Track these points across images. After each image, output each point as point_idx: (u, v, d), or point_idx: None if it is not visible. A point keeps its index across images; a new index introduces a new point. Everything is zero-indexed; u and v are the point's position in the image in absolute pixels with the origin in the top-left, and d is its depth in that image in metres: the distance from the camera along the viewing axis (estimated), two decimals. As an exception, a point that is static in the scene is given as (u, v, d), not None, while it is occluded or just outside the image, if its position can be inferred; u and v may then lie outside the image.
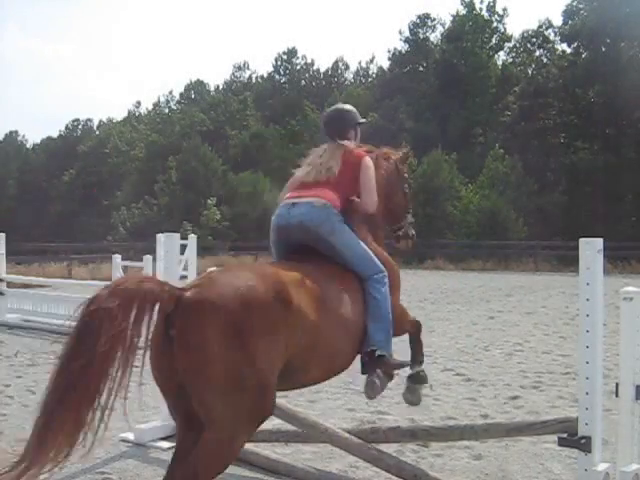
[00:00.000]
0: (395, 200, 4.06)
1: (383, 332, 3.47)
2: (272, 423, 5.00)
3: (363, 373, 3.55)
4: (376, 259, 3.59)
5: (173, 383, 2.73)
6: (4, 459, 2.72)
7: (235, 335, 2.62)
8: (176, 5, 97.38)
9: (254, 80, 55.52)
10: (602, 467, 3.37)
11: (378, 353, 3.42)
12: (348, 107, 3.96)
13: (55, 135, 58.08)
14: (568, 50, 35.94)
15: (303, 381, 3.26)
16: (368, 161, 3.69)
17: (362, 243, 3.58)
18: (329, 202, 3.48)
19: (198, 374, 2.60)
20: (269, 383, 2.75)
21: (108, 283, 2.94)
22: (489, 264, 24.97)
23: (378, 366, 3.47)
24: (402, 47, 42.72)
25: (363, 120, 4.02)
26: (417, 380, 4.00)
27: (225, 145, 41.08)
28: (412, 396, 4.01)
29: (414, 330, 4.01)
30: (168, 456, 4.55)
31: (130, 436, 4.87)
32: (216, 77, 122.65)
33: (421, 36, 41.99)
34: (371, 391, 3.52)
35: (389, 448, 4.13)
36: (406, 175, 4.20)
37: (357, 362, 3.61)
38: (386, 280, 3.56)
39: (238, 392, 2.63)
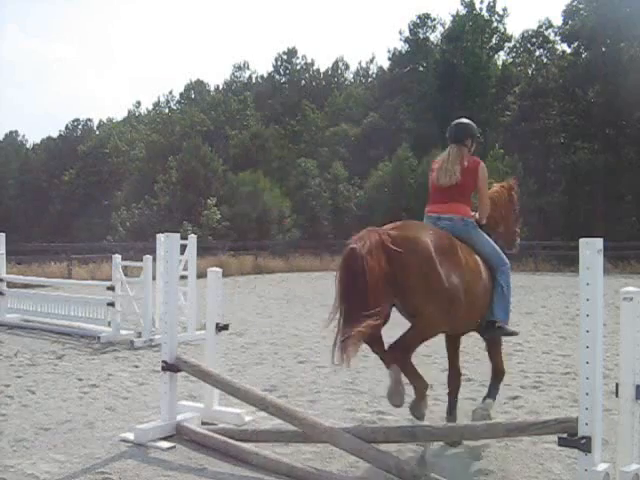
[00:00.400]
0: (509, 217, 5.34)
1: (504, 311, 4.73)
2: (272, 423, 5.02)
3: (481, 335, 4.90)
4: (503, 255, 4.79)
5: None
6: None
7: (436, 263, 4.14)
8: (176, 5, 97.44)
9: (254, 80, 55.54)
10: (602, 467, 3.37)
11: (498, 324, 4.68)
12: (469, 121, 5.12)
13: (55, 135, 58.16)
14: (568, 50, 35.97)
15: (457, 321, 4.45)
16: (483, 167, 4.81)
17: (492, 243, 4.78)
18: (464, 216, 4.69)
19: (413, 284, 4.13)
20: (457, 296, 4.24)
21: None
22: (489, 264, 24.92)
23: (495, 333, 4.79)
24: (402, 47, 42.81)
25: (478, 135, 5.16)
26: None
27: (225, 145, 41.07)
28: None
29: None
30: (168, 456, 4.57)
31: (130, 436, 4.87)
32: (216, 77, 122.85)
33: (421, 36, 42.01)
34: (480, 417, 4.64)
35: (389, 448, 4.13)
36: (516, 199, 5.45)
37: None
38: (509, 272, 4.75)
39: (436, 297, 4.14)
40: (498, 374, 5.05)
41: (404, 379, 4.25)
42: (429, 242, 4.18)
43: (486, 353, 5.30)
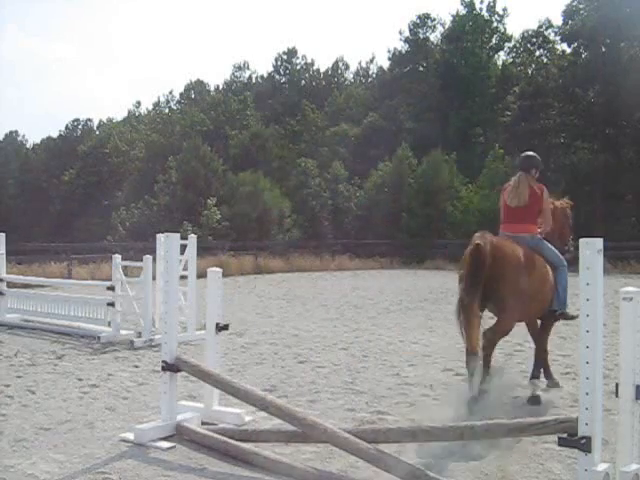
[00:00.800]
0: (564, 229, 6.67)
1: (562, 302, 6.01)
2: (272, 423, 5.02)
3: (542, 319, 6.26)
4: (562, 258, 6.06)
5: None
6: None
7: (521, 269, 5.53)
8: (176, 5, 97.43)
9: (254, 80, 55.51)
10: (602, 467, 3.37)
11: (559, 312, 6.03)
12: (534, 154, 6.30)
13: (55, 135, 58.09)
14: (568, 50, 35.93)
15: (531, 311, 5.90)
16: (546, 192, 6.11)
17: (554, 249, 6.06)
18: (532, 233, 5.97)
19: (503, 285, 5.44)
20: (533, 295, 5.62)
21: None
22: (489, 264, 24.92)
23: (556, 319, 6.18)
24: (402, 47, 42.74)
25: (542, 167, 6.36)
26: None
27: (225, 145, 41.04)
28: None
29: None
30: (168, 456, 4.57)
31: (130, 436, 4.87)
32: (216, 77, 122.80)
33: (421, 36, 41.97)
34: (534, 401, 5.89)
35: (389, 448, 4.13)
36: (570, 215, 6.84)
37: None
38: (566, 270, 6.01)
39: (522, 299, 5.52)
40: (540, 354, 6.29)
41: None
42: (520, 253, 5.57)
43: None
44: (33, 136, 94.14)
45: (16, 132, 60.86)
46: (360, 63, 57.63)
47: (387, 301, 14.25)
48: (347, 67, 55.11)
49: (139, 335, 9.16)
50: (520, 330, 8.38)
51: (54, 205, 49.15)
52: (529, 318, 6.10)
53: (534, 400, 5.81)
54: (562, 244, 6.48)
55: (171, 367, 4.98)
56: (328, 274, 22.63)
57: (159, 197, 34.65)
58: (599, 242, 3.49)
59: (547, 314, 6.07)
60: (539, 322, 6.33)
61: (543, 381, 6.25)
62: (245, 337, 9.60)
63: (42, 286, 13.57)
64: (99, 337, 9.21)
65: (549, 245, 6.04)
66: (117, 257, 9.87)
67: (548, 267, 5.86)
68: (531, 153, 6.28)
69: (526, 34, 39.40)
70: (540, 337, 6.32)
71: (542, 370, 6.28)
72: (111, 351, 8.58)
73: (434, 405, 5.81)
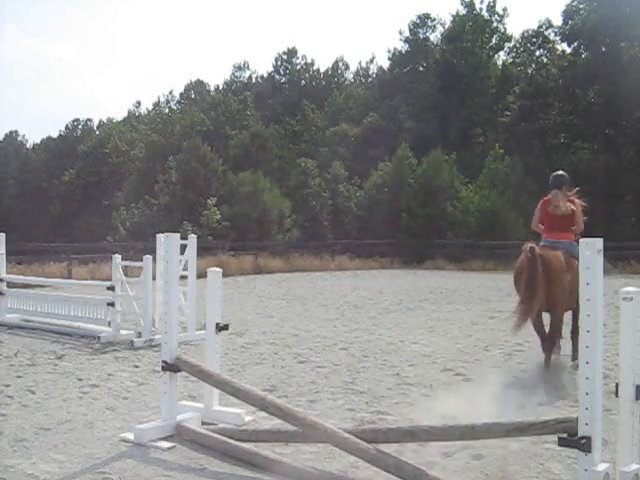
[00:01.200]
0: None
1: None
2: (272, 423, 5.02)
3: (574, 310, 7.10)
4: None
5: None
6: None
7: (563, 272, 6.85)
8: (176, 5, 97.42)
9: (254, 80, 55.50)
10: (602, 467, 3.37)
11: None
12: (564, 173, 7.61)
13: (55, 135, 58.07)
14: (568, 50, 35.94)
15: (572, 301, 6.87)
16: (578, 204, 7.48)
17: None
18: (571, 240, 7.21)
19: (553, 285, 6.79)
20: (573, 291, 6.32)
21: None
22: (489, 264, 24.93)
23: None
24: (402, 47, 42.75)
25: (568, 181, 7.66)
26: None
27: (225, 145, 41.04)
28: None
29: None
30: (168, 456, 4.57)
31: (130, 436, 4.87)
32: (216, 77, 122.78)
33: (421, 36, 41.97)
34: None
35: (389, 448, 4.13)
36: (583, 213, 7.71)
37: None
38: None
39: (567, 294, 6.84)
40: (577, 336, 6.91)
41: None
42: (561, 259, 6.91)
43: (486, 352, 5.38)
44: (33, 136, 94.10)
45: (16, 132, 60.90)
46: (360, 63, 57.65)
47: (387, 301, 14.25)
48: (347, 67, 55.14)
49: (139, 335, 9.16)
50: (520, 330, 8.39)
51: (54, 205, 49.13)
52: (569, 309, 7.32)
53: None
54: None
55: (171, 367, 4.98)
56: (328, 274, 22.62)
57: (159, 197, 34.64)
58: (599, 242, 3.49)
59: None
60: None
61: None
62: (245, 337, 9.60)
63: (42, 286, 13.57)
64: (99, 337, 9.21)
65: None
66: (117, 257, 9.87)
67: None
68: (560, 173, 7.61)
69: (526, 34, 39.42)
70: (576, 324, 7.22)
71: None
72: (111, 351, 8.58)
73: (434, 405, 5.80)
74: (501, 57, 41.00)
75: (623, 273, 20.26)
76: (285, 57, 52.62)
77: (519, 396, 5.91)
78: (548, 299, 6.87)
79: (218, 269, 5.59)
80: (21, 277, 13.75)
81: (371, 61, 54.01)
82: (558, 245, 7.19)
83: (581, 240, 3.52)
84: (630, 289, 3.60)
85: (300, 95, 48.49)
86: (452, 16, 39.41)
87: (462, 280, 19.68)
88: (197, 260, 9.79)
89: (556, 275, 6.80)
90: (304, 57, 53.17)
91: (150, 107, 57.35)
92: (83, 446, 4.75)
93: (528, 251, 6.79)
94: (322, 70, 54.14)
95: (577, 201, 7.53)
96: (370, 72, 53.32)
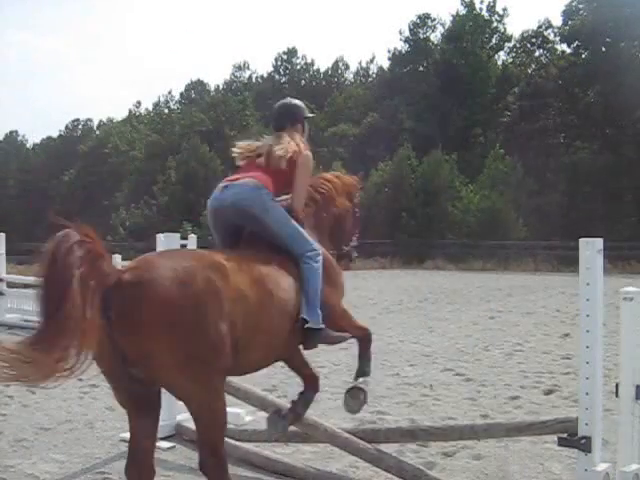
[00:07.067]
0: (344, 224, 4.23)
1: (313, 307, 3.49)
2: (272, 423, 5.01)
3: (305, 349, 3.74)
4: (310, 238, 3.65)
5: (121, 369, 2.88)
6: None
7: (177, 318, 2.77)
8: (176, 5, 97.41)
9: (254, 80, 55.49)
10: (602, 467, 3.36)
11: (309, 326, 3.46)
12: (297, 103, 4.10)
13: (55, 135, 58.09)
14: (568, 50, 35.94)
15: (249, 362, 3.31)
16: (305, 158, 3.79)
17: (295, 223, 3.63)
18: (261, 183, 3.59)
19: (151, 359, 2.79)
20: (221, 351, 2.91)
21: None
22: (489, 264, 24.96)
23: (316, 340, 3.57)
24: (402, 47, 42.74)
25: (311, 115, 4.22)
26: (352, 395, 3.97)
27: (225, 145, 41.03)
28: (352, 403, 3.97)
29: (361, 336, 4.06)
30: (168, 456, 4.57)
31: (130, 436, 4.86)
32: (216, 77, 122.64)
33: (421, 36, 41.96)
34: (353, 403, 3.90)
35: (389, 448, 4.13)
36: (357, 201, 4.36)
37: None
38: (319, 258, 3.59)
39: (195, 367, 2.84)
40: (361, 337, 4.22)
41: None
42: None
43: (486, 352, 5.37)
44: (33, 136, 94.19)
45: (16, 132, 60.88)
46: (360, 63, 57.66)
47: (387, 301, 14.25)
48: (347, 67, 55.12)
49: (139, 335, 9.15)
50: (520, 330, 8.40)
51: (54, 205, 49.10)
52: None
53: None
54: (340, 243, 4.23)
55: (171, 367, 4.97)
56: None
57: (159, 197, 34.65)
58: (599, 242, 3.48)
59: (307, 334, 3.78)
60: None
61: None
62: (245, 337, 9.59)
63: (42, 286, 13.53)
64: (99, 337, 9.19)
65: (284, 213, 3.65)
66: (117, 257, 9.85)
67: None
68: (292, 101, 4.13)
69: (526, 34, 39.41)
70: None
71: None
72: (111, 351, 8.57)
73: (434, 405, 5.81)
74: (501, 57, 41.02)
75: (623, 273, 20.28)
76: (285, 57, 52.65)
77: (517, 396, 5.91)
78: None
79: (218, 269, 5.57)
80: (21, 277, 13.72)
81: (371, 61, 54.04)
82: (228, 192, 3.67)
83: (581, 240, 3.51)
84: (630, 289, 3.60)
85: (300, 95, 48.35)
86: (452, 16, 39.45)
87: (462, 280, 19.68)
88: (197, 260, 9.77)
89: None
90: (304, 57, 53.29)
91: (150, 107, 57.37)
92: (83, 446, 4.75)
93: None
94: (322, 70, 54.18)
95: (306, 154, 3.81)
96: (370, 72, 53.33)
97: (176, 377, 2.88)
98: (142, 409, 3.13)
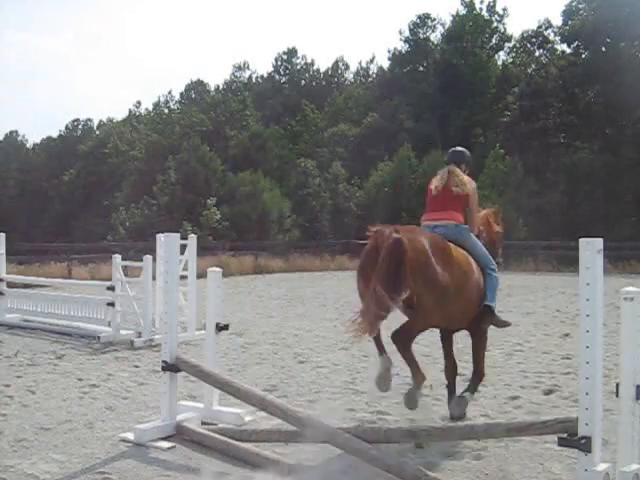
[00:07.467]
0: (497, 244, 6.06)
1: (493, 298, 5.28)
2: (272, 423, 5.01)
3: (481, 325, 5.38)
4: (490, 258, 5.41)
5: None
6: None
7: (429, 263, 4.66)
8: (176, 5, 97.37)
9: (254, 80, 55.47)
10: (602, 467, 3.37)
11: (490, 307, 5.25)
12: (464, 150, 5.97)
13: (55, 135, 58.04)
14: (568, 50, 35.92)
15: (450, 312, 4.91)
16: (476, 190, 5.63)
17: (482, 245, 5.44)
18: (457, 222, 5.27)
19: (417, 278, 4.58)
20: (447, 285, 4.70)
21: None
22: (489, 264, 24.89)
23: (491, 317, 5.33)
24: (402, 47, 42.74)
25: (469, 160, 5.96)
26: (458, 402, 5.39)
27: (225, 145, 41.03)
28: (457, 409, 5.33)
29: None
30: (168, 456, 4.57)
31: (130, 436, 4.87)
32: (216, 77, 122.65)
33: (421, 36, 41.96)
34: (457, 407, 5.30)
35: (389, 448, 4.13)
36: (500, 228, 6.28)
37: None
38: (496, 270, 5.40)
39: (431, 288, 4.61)
40: (478, 375, 5.53)
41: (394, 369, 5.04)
42: (425, 245, 4.75)
43: (486, 352, 5.39)
44: (33, 136, 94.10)
45: (16, 132, 60.81)
46: (360, 63, 57.60)
47: (387, 301, 14.23)
48: (347, 67, 55.07)
49: (139, 335, 9.16)
50: (520, 330, 8.41)
51: (54, 205, 49.12)
52: (451, 327, 5.54)
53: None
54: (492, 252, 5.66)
55: (171, 367, 4.98)
56: (328, 274, 22.61)
57: (159, 197, 34.65)
58: (599, 242, 3.49)
59: (484, 311, 5.37)
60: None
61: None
62: (245, 337, 9.60)
63: (42, 286, 13.57)
64: (99, 337, 9.20)
65: (477, 241, 5.39)
66: (117, 257, 9.87)
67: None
68: (460, 148, 5.93)
69: (526, 34, 39.39)
70: (477, 357, 5.64)
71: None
72: (111, 351, 8.58)
73: (434, 405, 5.80)
74: (501, 57, 41.03)
75: (623, 273, 20.26)
76: (285, 57, 52.59)
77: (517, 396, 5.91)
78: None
79: (218, 269, 5.58)
80: (21, 277, 13.75)
81: (371, 61, 53.97)
82: (436, 231, 5.15)
83: (581, 240, 3.51)
84: (631, 289, 3.60)
85: (300, 95, 48.46)
86: (452, 16, 39.46)
87: (462, 280, 19.65)
88: (197, 260, 9.79)
89: (414, 268, 4.53)
90: (304, 57, 53.19)
91: (150, 107, 57.35)
92: (83, 446, 4.75)
93: (375, 234, 4.80)
94: (322, 70, 54.14)
95: (474, 186, 5.56)
96: (370, 72, 53.30)
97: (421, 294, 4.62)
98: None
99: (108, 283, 9.98)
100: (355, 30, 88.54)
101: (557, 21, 37.05)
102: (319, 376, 7.05)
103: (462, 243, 5.17)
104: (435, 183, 5.45)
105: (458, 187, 5.34)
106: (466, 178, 5.47)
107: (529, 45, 39.47)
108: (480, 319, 5.27)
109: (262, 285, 18.58)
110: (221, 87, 55.01)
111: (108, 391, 6.40)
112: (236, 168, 36.33)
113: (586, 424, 3.37)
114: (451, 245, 4.98)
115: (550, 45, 38.29)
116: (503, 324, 5.51)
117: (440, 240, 4.91)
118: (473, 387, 5.45)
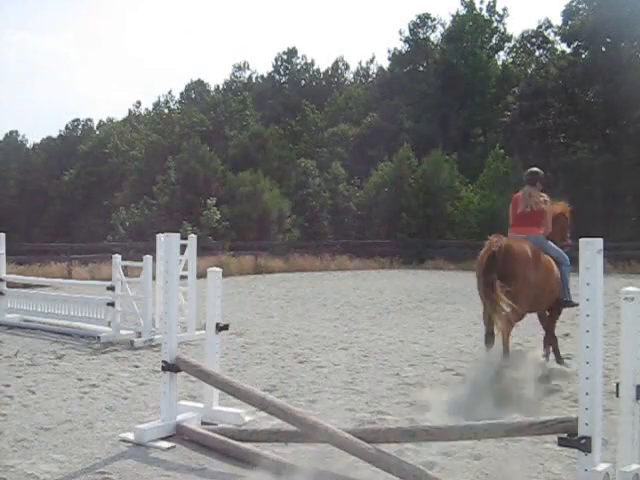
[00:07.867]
0: (565, 237, 7.74)
1: (567, 290, 7.16)
2: (272, 423, 5.02)
3: (558, 306, 7.37)
4: (566, 255, 7.21)
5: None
6: None
7: (529, 265, 6.64)
8: (176, 5, 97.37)
9: (254, 80, 55.47)
10: (602, 467, 3.36)
11: (565, 299, 7.19)
12: (539, 170, 7.56)
13: (55, 135, 58.04)
14: (568, 50, 35.91)
15: (539, 301, 6.99)
16: (550, 204, 7.34)
17: (558, 248, 7.25)
18: (538, 234, 7.11)
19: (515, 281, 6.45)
20: (542, 287, 6.79)
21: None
22: (489, 264, 24.87)
23: (564, 304, 7.25)
24: (402, 47, 42.71)
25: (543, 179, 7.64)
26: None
27: (225, 145, 41.03)
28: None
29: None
30: (168, 456, 4.57)
31: (130, 436, 4.87)
32: (216, 77, 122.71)
33: (421, 36, 41.94)
34: (560, 361, 7.46)
35: (389, 448, 4.13)
36: (569, 222, 7.96)
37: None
38: (568, 264, 7.11)
39: (527, 289, 6.55)
40: (551, 341, 7.43)
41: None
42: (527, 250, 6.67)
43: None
44: (33, 136, 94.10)
45: (16, 132, 60.84)
46: (360, 63, 57.60)
47: (387, 301, 14.25)
48: (347, 67, 55.06)
49: (139, 335, 9.16)
50: (520, 330, 8.40)
51: (54, 205, 49.13)
52: (539, 309, 7.38)
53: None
54: (561, 243, 7.58)
55: (171, 367, 4.98)
56: (328, 274, 22.61)
57: (159, 197, 34.65)
58: (599, 242, 3.49)
59: (560, 301, 7.28)
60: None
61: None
62: (245, 337, 9.60)
63: (42, 286, 13.57)
64: (99, 337, 9.20)
65: (553, 245, 7.24)
66: (117, 257, 9.87)
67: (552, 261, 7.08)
68: (536, 169, 7.56)
69: (526, 34, 39.39)
70: (550, 325, 7.53)
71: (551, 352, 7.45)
72: (111, 351, 8.58)
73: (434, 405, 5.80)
74: (501, 57, 41.00)
75: (623, 273, 20.26)
76: (285, 57, 52.59)
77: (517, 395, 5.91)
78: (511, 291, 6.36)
79: (218, 269, 5.58)
80: (21, 277, 13.75)
81: (371, 61, 53.98)
82: (527, 239, 6.94)
83: (581, 240, 3.52)
84: (631, 289, 3.60)
85: (300, 95, 48.46)
86: (452, 16, 39.40)
87: (462, 280, 19.65)
88: (197, 260, 9.79)
89: (522, 267, 6.50)
90: (304, 57, 53.17)
91: (150, 107, 57.34)
92: (83, 446, 4.75)
93: (494, 242, 6.51)
94: (322, 70, 54.13)
95: (548, 201, 7.31)
96: (370, 72, 53.29)
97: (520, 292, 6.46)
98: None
99: (108, 283, 9.99)
100: (355, 30, 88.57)
101: (557, 21, 37.08)
102: (319, 376, 7.05)
103: (543, 248, 7.02)
104: (520, 204, 7.27)
105: (536, 205, 7.17)
106: (541, 198, 7.22)
107: (529, 45, 39.47)
108: (557, 304, 7.27)
109: (262, 285, 18.58)
110: (221, 87, 55.03)
111: (108, 391, 6.40)
112: (236, 168, 36.32)
113: (586, 424, 3.36)
114: (540, 250, 6.87)
115: (550, 45, 38.28)
116: (573, 305, 7.07)
117: (534, 246, 6.80)
118: (557, 355, 7.35)
